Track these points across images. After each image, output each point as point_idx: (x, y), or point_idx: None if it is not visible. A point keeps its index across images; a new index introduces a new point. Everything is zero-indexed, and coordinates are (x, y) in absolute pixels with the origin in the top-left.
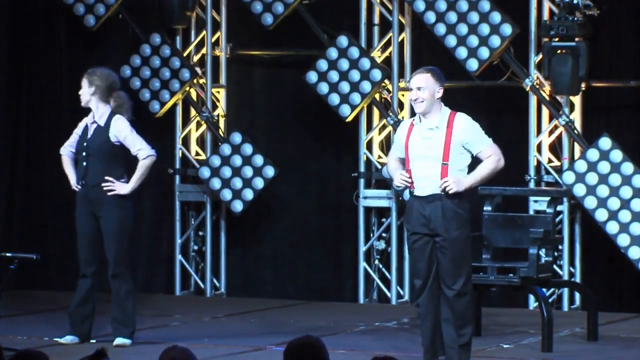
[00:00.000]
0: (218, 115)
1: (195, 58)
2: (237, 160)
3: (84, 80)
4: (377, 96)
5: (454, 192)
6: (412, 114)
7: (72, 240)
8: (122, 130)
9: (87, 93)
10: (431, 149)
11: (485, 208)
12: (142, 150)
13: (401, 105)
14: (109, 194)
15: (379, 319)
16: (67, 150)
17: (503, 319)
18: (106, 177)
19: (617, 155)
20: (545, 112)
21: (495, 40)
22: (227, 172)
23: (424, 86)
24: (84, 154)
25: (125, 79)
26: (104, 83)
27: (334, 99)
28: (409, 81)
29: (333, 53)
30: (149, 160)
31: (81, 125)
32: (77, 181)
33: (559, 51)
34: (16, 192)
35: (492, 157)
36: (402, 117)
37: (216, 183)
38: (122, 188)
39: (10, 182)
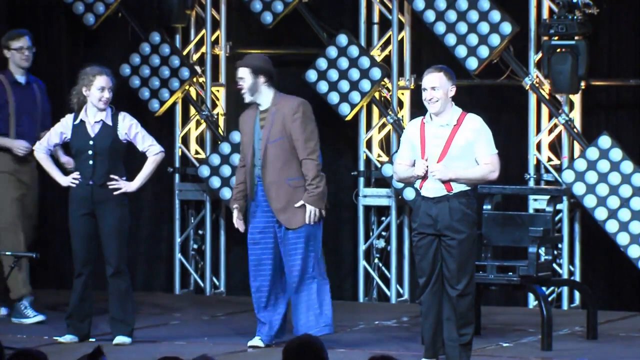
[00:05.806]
0: (217, 114)
1: (195, 57)
2: (237, 159)
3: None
4: (376, 95)
5: (437, 178)
6: (412, 112)
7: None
8: (132, 128)
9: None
10: (439, 147)
11: (484, 207)
12: (153, 147)
13: (401, 103)
14: (116, 192)
15: (378, 318)
16: (44, 149)
17: (503, 317)
18: (111, 176)
19: (616, 153)
20: (544, 110)
21: (495, 39)
22: (226, 170)
23: (438, 85)
24: (89, 152)
25: (125, 77)
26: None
27: (334, 97)
28: (422, 81)
29: (332, 52)
30: (160, 156)
31: (66, 124)
32: (84, 180)
33: (558, 50)
34: None
35: (488, 166)
36: (402, 116)
37: (216, 182)
38: (129, 186)
39: None
